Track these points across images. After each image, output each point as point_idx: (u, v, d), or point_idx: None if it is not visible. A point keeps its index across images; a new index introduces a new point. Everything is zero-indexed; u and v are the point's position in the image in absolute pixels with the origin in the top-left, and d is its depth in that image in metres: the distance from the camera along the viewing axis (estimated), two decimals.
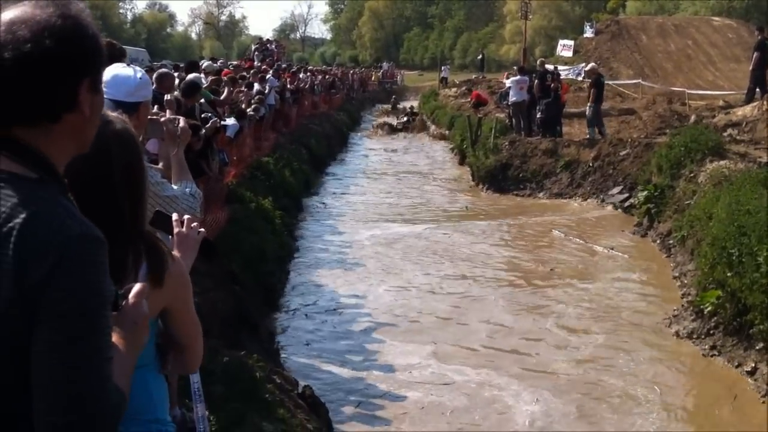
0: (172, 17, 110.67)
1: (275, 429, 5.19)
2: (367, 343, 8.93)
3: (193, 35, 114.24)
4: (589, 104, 18.64)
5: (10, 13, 1.55)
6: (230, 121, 11.49)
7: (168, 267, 2.12)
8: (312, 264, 12.25)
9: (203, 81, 11.14)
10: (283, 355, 8.27)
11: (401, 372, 8.03)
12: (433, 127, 31.87)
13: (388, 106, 45.69)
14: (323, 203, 17.56)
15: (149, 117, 3.84)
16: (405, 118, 35.88)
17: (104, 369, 1.53)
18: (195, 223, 2.49)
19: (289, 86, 21.98)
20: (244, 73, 17.97)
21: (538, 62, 23.59)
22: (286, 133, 20.25)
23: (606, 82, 30.63)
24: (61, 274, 1.48)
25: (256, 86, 16.59)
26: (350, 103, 40.53)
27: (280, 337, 9.08)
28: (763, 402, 7.04)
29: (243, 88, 14.99)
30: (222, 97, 12.05)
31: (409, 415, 7.10)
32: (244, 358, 6.16)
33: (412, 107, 39.04)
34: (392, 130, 33.40)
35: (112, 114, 2.20)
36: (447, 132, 28.71)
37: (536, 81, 19.51)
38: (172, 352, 2.26)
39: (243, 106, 13.65)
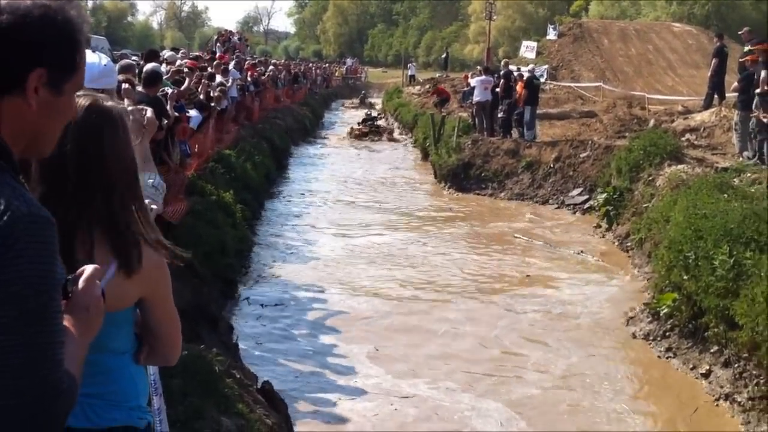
0: (133, 6, 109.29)
1: (234, 424, 5.13)
2: (327, 340, 8.89)
3: (155, 25, 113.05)
4: (523, 106, 18.82)
5: None
6: (193, 112, 11.36)
7: (138, 258, 2.08)
8: (272, 259, 12.18)
9: (163, 70, 10.98)
10: (242, 348, 8.20)
11: (361, 373, 8.01)
12: (397, 132, 30.88)
13: (356, 101, 45.04)
14: (284, 199, 17.47)
15: None
16: (366, 123, 31.51)
17: (55, 353, 1.49)
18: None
19: (249, 78, 21.74)
20: (205, 64, 17.74)
21: (502, 62, 23.71)
22: (249, 126, 20.08)
23: (567, 84, 31.18)
24: (8, 256, 1.43)
25: (218, 78, 16.39)
26: (313, 98, 40.22)
27: (240, 331, 9.00)
28: (717, 405, 7.16)
29: (204, 80, 14.79)
30: (183, 88, 11.88)
31: (369, 414, 7.09)
32: (203, 351, 6.08)
33: (369, 113, 34.02)
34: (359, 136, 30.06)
35: (96, 94, 2.17)
36: (410, 137, 28.11)
37: (501, 81, 19.59)
38: (146, 343, 2.22)
39: (201, 96, 13.47)
